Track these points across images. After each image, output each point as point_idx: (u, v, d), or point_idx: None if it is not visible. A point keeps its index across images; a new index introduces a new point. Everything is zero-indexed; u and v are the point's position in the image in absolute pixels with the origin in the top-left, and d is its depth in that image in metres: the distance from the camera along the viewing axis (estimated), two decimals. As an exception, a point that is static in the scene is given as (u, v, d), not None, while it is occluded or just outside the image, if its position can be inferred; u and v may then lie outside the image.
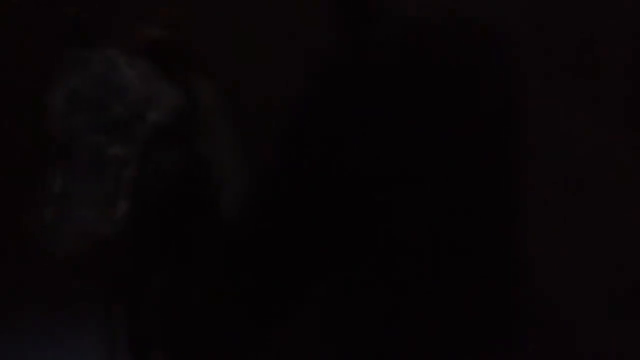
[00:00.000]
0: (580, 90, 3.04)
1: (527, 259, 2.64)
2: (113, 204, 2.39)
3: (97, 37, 2.48)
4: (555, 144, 2.99)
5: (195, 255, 2.48)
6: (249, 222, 2.57)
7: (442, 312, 2.64)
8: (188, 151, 2.39)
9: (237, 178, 2.49)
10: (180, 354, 2.54)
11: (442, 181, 2.73)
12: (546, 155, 2.96)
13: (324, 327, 2.57)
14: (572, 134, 3.00)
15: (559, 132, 3.00)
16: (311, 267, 2.59)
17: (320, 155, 2.62)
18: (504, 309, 2.63)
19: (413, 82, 2.72)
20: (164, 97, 2.35)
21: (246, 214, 2.57)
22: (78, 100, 2.41)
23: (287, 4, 2.86)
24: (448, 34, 2.73)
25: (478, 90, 2.77)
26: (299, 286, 2.59)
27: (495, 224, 2.70)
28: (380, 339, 2.62)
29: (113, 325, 2.60)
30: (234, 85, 2.55)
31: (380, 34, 2.69)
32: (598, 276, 2.80)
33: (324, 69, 2.66)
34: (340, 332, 2.58)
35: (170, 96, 2.36)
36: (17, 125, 2.79)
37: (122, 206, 2.38)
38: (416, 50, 2.69)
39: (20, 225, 2.76)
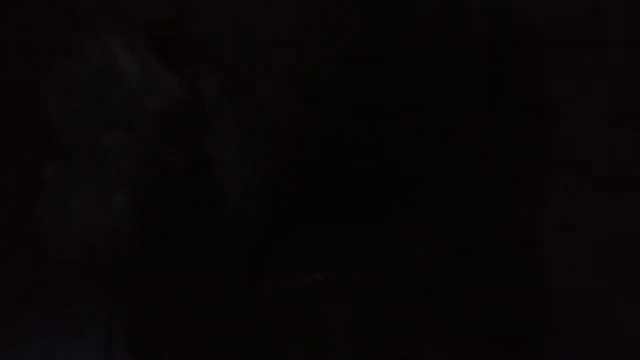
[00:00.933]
0: (580, 90, 3.03)
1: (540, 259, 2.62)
2: (110, 196, 2.34)
3: (94, 20, 2.43)
4: (555, 144, 2.98)
5: (198, 253, 2.43)
6: (254, 220, 2.54)
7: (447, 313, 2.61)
8: (190, 144, 2.34)
9: (241, 174, 2.45)
10: (184, 356, 2.50)
11: (457, 179, 2.71)
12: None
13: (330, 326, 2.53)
14: (573, 135, 2.99)
15: (559, 133, 2.98)
16: (317, 263, 2.56)
17: (337, 151, 2.60)
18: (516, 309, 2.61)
19: (427, 77, 2.70)
20: (164, 85, 2.30)
21: (251, 211, 2.53)
22: (71, 86, 2.35)
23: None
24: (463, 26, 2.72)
25: (495, 85, 2.76)
26: (304, 284, 2.56)
27: (512, 224, 2.68)
28: (386, 338, 2.59)
29: (112, 326, 2.56)
30: (234, 78, 2.51)
31: (390, 27, 2.67)
32: (600, 276, 2.79)
33: (336, 60, 2.64)
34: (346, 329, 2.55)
35: (172, 84, 2.31)
36: (7, 115, 2.74)
37: (120, 199, 2.33)
38: (428, 44, 2.67)
39: (12, 221, 2.72)
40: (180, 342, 2.48)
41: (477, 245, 2.62)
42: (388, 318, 2.51)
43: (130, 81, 2.30)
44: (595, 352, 2.64)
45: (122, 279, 2.48)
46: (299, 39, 2.61)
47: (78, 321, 2.70)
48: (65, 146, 2.35)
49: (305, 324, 2.49)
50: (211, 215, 2.45)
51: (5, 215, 2.75)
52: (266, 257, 2.52)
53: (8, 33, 2.75)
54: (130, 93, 2.30)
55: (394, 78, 2.75)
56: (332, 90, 2.64)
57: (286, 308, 2.50)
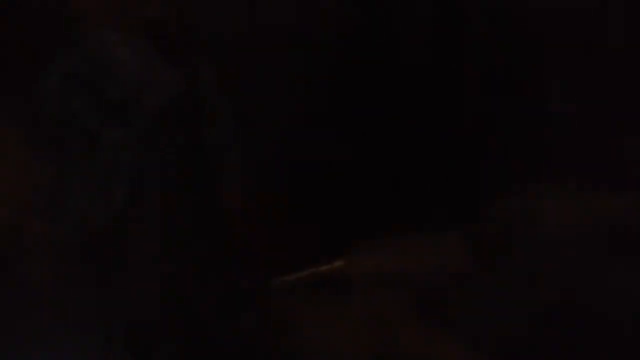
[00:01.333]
0: (580, 90, 3.03)
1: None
2: (109, 191, 2.33)
3: (93, 15, 2.42)
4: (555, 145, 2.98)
5: (195, 246, 2.43)
6: (252, 214, 2.54)
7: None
8: (189, 138, 2.34)
9: (240, 170, 2.45)
10: (183, 348, 2.49)
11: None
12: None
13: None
14: (573, 135, 2.98)
15: (559, 133, 2.98)
16: (312, 255, 2.56)
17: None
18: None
19: (427, 76, 2.70)
20: (162, 80, 2.30)
21: (249, 205, 2.54)
22: (70, 81, 2.35)
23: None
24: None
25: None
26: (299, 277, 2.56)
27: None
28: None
29: (112, 326, 2.55)
30: (233, 75, 2.51)
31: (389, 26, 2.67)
32: (599, 273, 2.78)
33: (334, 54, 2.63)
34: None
35: (170, 79, 2.31)
36: (7, 111, 2.72)
37: (119, 194, 2.32)
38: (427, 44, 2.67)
39: (11, 219, 2.70)
40: (179, 341, 2.48)
41: (476, 243, 2.62)
42: (400, 312, 2.52)
43: (127, 76, 2.30)
44: (596, 352, 2.64)
45: (120, 271, 2.48)
46: (299, 38, 2.61)
47: (78, 321, 2.70)
48: (64, 142, 2.35)
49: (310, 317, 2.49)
50: (209, 209, 2.45)
51: (6, 214, 2.75)
52: (265, 250, 2.53)
53: (8, 33, 2.75)
54: (127, 88, 2.29)
55: (392, 77, 2.75)
56: (331, 88, 2.65)
57: (294, 302, 2.51)
